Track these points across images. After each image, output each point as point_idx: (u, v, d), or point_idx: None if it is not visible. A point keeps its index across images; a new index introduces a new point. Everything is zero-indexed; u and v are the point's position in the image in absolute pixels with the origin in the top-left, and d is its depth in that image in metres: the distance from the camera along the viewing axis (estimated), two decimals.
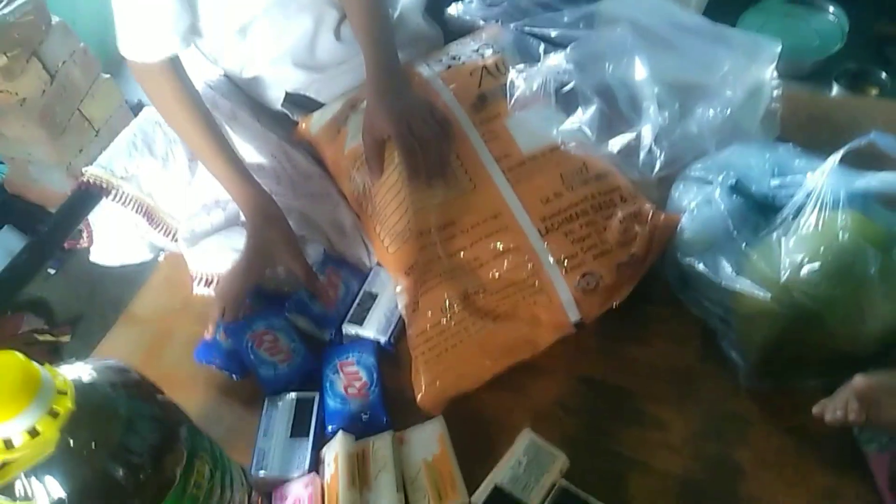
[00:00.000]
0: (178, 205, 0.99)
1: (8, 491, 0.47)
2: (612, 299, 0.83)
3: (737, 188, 0.76)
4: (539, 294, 0.81)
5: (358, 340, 0.88)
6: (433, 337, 0.81)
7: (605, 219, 0.83)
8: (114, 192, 0.93)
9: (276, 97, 1.05)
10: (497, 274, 0.82)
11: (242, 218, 1.00)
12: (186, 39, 0.89)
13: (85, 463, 0.48)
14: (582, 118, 0.86)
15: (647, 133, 0.84)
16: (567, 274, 0.81)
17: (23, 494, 0.47)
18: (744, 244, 0.74)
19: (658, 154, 0.84)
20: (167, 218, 1.00)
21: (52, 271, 2.20)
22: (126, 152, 0.95)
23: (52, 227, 0.92)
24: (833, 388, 0.73)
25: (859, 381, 0.63)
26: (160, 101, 0.90)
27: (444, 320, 0.81)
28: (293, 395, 0.83)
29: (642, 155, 0.85)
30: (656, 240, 0.83)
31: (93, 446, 0.48)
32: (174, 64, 0.88)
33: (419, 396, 0.80)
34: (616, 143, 0.84)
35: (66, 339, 2.04)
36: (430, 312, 0.82)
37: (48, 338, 2.01)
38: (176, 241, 1.02)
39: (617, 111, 0.86)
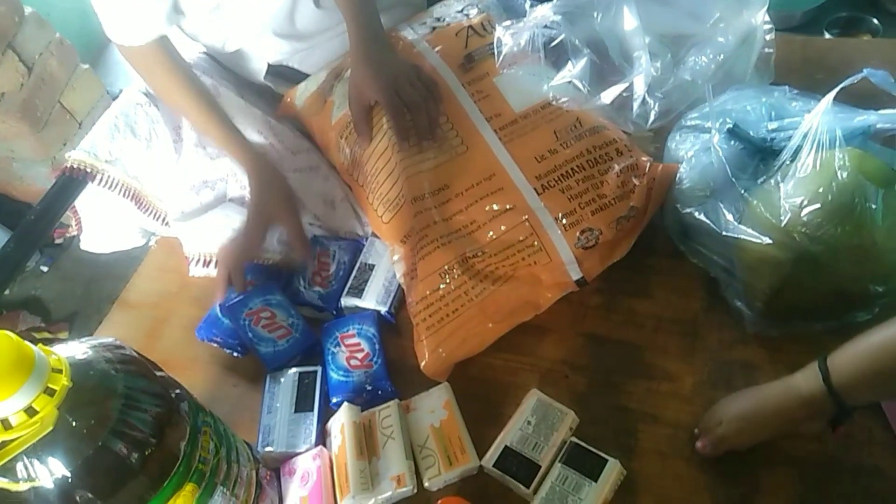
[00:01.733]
0: (165, 186, 0.97)
1: (9, 472, 0.46)
2: (613, 255, 0.82)
3: (735, 132, 0.75)
4: (539, 254, 0.80)
5: (358, 312, 0.86)
6: (434, 303, 0.80)
7: (602, 173, 0.81)
8: (99, 176, 0.91)
9: (258, 69, 1.03)
10: (495, 236, 0.81)
11: (233, 195, 0.98)
12: (171, 19, 0.88)
13: (86, 440, 0.47)
14: (573, 71, 0.84)
15: (639, 84, 0.82)
16: (566, 231, 0.79)
17: (25, 475, 0.46)
18: (743, 191, 0.73)
19: (652, 105, 0.83)
20: (155, 201, 0.98)
21: (44, 269, 2.18)
22: (108, 135, 0.92)
23: (38, 216, 0.89)
24: (839, 330, 0.73)
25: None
26: (154, 82, 0.91)
27: (443, 286, 0.80)
28: (295, 370, 0.82)
29: (636, 107, 0.83)
30: (655, 191, 0.82)
31: (92, 423, 0.47)
32: (163, 43, 0.87)
33: (423, 364, 0.79)
34: (609, 95, 0.82)
35: (63, 335, 2.03)
36: (428, 278, 0.81)
37: (46, 335, 2.00)
38: (167, 224, 1.00)
39: (609, 62, 0.85)
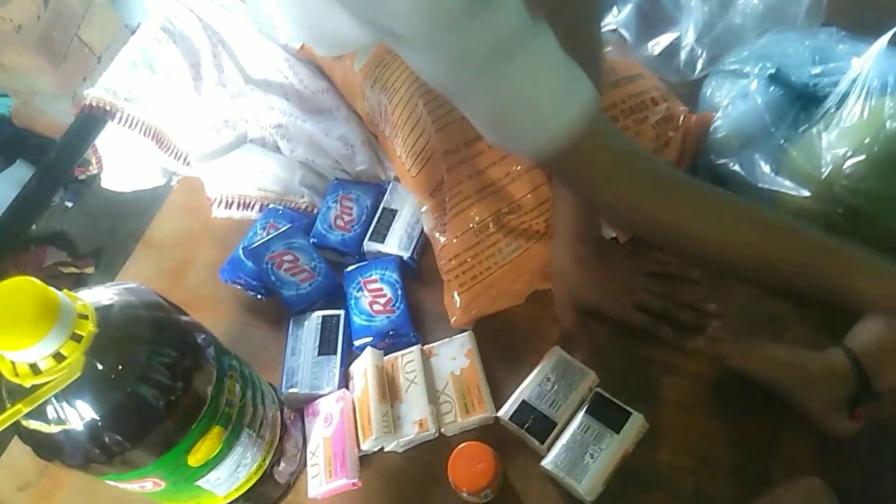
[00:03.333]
0: (185, 125, 0.96)
1: (41, 415, 0.47)
2: None
3: (776, 78, 0.71)
4: None
5: (380, 257, 0.86)
6: (467, 261, 0.79)
7: (638, 123, 0.78)
8: (118, 114, 0.90)
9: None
10: (529, 190, 0.79)
11: (253, 136, 0.96)
12: None
13: (114, 385, 0.48)
14: (618, 18, 0.79)
15: (689, 30, 0.77)
16: None
17: (56, 418, 0.47)
18: (782, 140, 0.70)
19: (700, 52, 0.78)
20: (176, 140, 0.97)
21: (69, 205, 2.20)
22: (127, 72, 0.91)
23: (59, 153, 0.89)
24: None
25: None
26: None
27: (477, 244, 0.79)
28: (318, 313, 0.82)
29: (683, 55, 0.78)
30: (688, 143, 0.79)
31: (120, 368, 0.47)
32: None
33: (453, 320, 0.79)
34: (657, 46, 0.77)
35: (89, 270, 2.06)
36: (462, 236, 0.79)
37: (72, 270, 2.03)
38: (188, 164, 0.99)
39: (658, 8, 0.79)
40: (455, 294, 0.78)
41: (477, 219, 0.79)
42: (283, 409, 0.72)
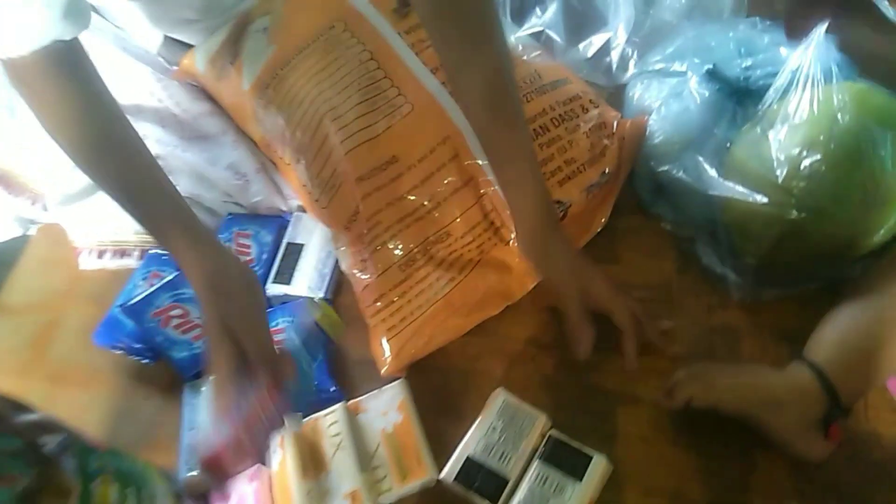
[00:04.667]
0: (39, 164, 0.81)
1: None
2: (589, 229, 0.73)
3: (715, 74, 0.66)
4: (503, 231, 0.70)
5: (288, 301, 0.75)
6: (394, 301, 0.69)
7: (570, 132, 0.71)
8: None
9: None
10: (457, 214, 0.70)
11: None
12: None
13: None
14: (542, 19, 0.73)
15: (619, 29, 0.71)
16: None
17: None
18: (727, 142, 0.64)
19: (631, 53, 0.73)
20: (29, 182, 0.82)
21: None
22: None
23: None
24: (830, 289, 0.66)
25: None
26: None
27: (404, 280, 0.70)
28: None
29: (615, 56, 0.73)
30: (626, 151, 0.73)
31: None
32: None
33: (384, 370, 0.69)
34: (589, 45, 0.72)
35: None
36: (386, 273, 0.70)
37: None
38: (47, 209, 0.84)
39: (588, 5, 0.73)
40: (383, 340, 0.68)
41: (401, 252, 0.69)
42: (183, 500, 0.59)
